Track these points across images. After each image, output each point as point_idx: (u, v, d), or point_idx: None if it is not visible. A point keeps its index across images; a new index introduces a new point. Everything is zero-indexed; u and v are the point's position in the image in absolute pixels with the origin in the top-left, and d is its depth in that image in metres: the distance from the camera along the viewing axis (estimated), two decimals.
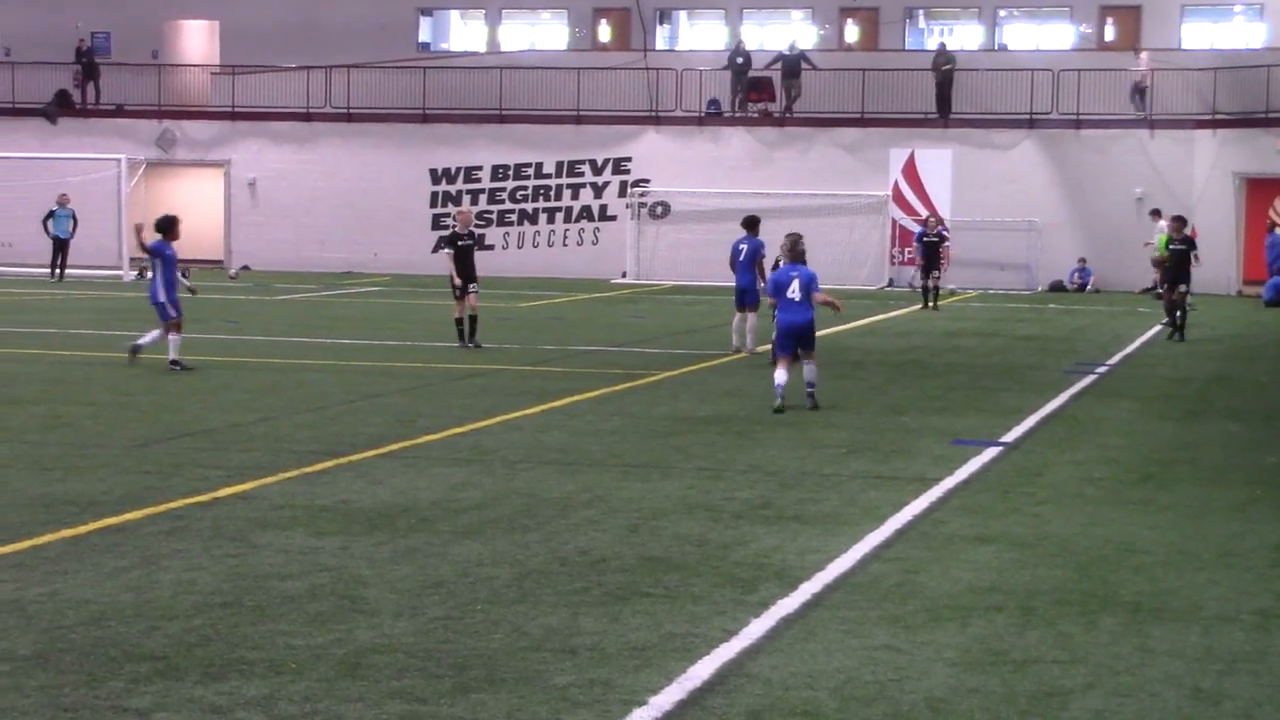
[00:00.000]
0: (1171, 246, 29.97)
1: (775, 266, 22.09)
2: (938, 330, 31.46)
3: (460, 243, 26.11)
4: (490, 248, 49.70)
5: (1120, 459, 16.08)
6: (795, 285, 19.15)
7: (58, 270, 44.20)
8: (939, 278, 37.90)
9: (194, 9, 54.52)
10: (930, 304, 37.27)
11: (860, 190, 47.24)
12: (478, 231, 48.38)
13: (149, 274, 44.85)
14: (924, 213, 46.65)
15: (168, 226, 23.06)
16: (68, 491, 13.23)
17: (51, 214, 44.89)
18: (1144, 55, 47.64)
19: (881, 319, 34.36)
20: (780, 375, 18.98)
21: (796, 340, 19.24)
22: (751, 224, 26.46)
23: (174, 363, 22.17)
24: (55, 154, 48.86)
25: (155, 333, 22.73)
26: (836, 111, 48.31)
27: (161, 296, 22.58)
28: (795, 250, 19.59)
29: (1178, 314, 29.78)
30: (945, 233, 39.94)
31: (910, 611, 9.85)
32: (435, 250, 49.02)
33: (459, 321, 25.94)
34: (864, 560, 11.26)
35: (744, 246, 25.82)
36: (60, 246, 44.45)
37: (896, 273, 46.88)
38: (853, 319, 32.83)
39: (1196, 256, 29.76)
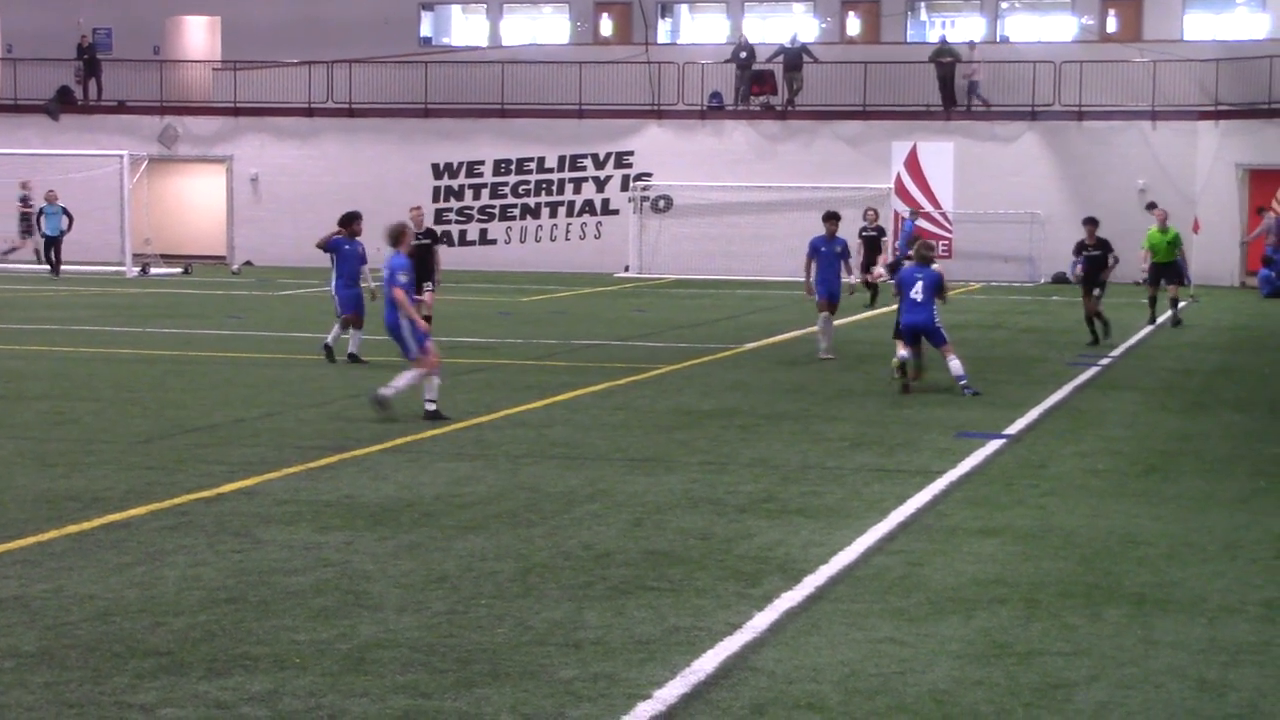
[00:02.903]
0: (1086, 253, 27.15)
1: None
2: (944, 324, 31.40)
3: (414, 242, 25.29)
4: (493, 242, 49.76)
5: (1124, 451, 16.08)
6: (919, 286, 20.04)
7: (51, 265, 43.79)
8: (882, 276, 35.29)
9: (195, 5, 54.51)
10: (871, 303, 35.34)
11: (863, 183, 47.20)
12: (470, 228, 48.54)
13: (151, 270, 44.83)
14: (926, 205, 46.71)
15: (346, 222, 23.24)
16: (72, 488, 13.24)
17: (41, 211, 44.65)
18: (976, 50, 47.91)
19: (884, 312, 34.32)
20: (902, 352, 20.26)
21: (919, 336, 20.30)
22: (832, 218, 24.43)
23: (325, 347, 22.71)
24: (58, 151, 48.85)
25: (356, 335, 22.73)
26: (838, 104, 48.29)
27: (334, 291, 22.99)
28: (923, 255, 20.59)
29: (1096, 323, 27.15)
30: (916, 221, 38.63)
31: (914, 604, 9.86)
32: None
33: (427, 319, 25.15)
34: (867, 553, 11.27)
35: (823, 249, 24.09)
36: (51, 243, 44.12)
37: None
38: (856, 313, 32.81)
39: (1115, 258, 27.01)
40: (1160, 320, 28.39)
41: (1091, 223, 27.34)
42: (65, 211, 44.49)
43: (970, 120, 47.43)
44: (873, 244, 36.43)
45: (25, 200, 47.34)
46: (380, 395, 17.24)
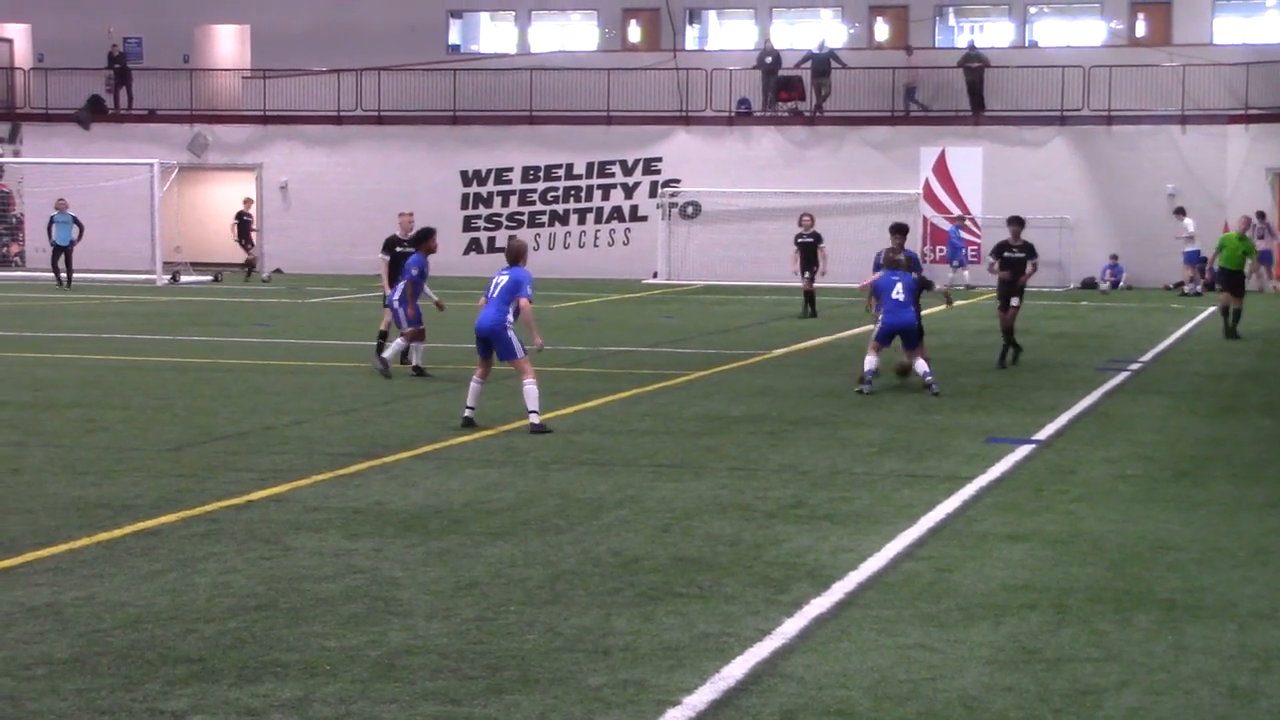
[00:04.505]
0: (1006, 254, 24.19)
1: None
2: (969, 328, 31.39)
3: (399, 249, 23.35)
4: None
5: (1154, 456, 16.03)
6: (899, 287, 20.81)
7: (62, 275, 43.19)
8: (811, 280, 34.31)
9: (225, 13, 54.73)
10: (810, 312, 33.88)
11: (891, 189, 47.13)
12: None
13: (182, 278, 45.00)
14: (955, 210, 46.63)
15: (415, 239, 22.52)
16: (103, 495, 13.29)
17: (52, 220, 44.18)
18: (914, 55, 48.06)
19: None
20: (870, 361, 20.70)
21: (900, 336, 20.95)
22: (900, 230, 22.99)
23: (421, 371, 21.96)
24: (88, 159, 49.06)
25: (400, 344, 22.07)
26: (867, 110, 48.24)
27: (395, 303, 22.14)
28: (893, 260, 21.31)
29: (1012, 335, 24.48)
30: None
31: (944, 610, 9.85)
32: (466, 253, 49.14)
33: (383, 334, 23.01)
34: (897, 559, 11.25)
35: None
36: (60, 252, 43.44)
37: (929, 272, 46.58)
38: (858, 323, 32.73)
39: (1034, 265, 24.52)
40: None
41: (1017, 222, 24.66)
42: (75, 220, 44.18)
43: (999, 125, 47.32)
44: (809, 250, 34.58)
45: (242, 215, 48.13)
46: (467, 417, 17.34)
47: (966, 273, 45.17)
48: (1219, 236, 33.01)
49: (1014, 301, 24.06)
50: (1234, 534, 12.22)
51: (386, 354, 22.06)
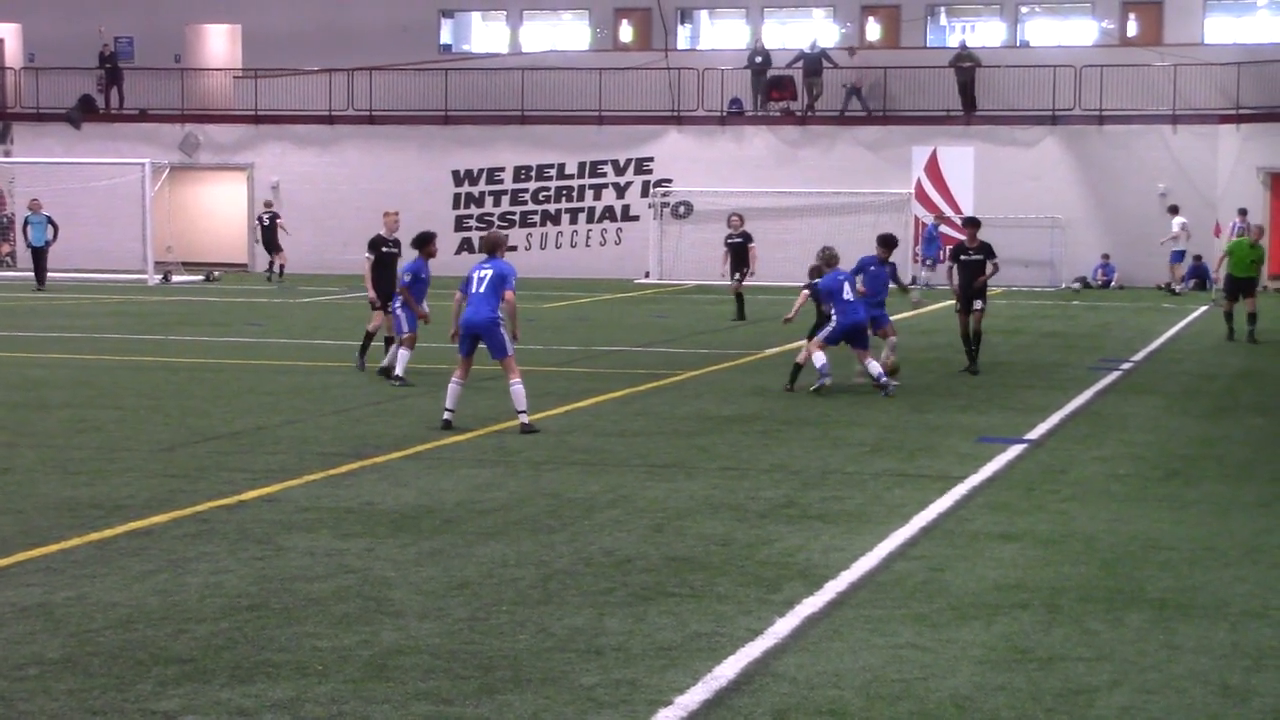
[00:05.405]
0: (964, 257, 23.49)
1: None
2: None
3: (385, 249, 22.92)
4: (513, 249, 49.68)
5: (1145, 455, 16.05)
6: (847, 287, 20.69)
7: (38, 275, 42.43)
8: (741, 280, 33.97)
9: (216, 13, 54.67)
10: (741, 315, 33.27)
11: (883, 188, 47.16)
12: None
13: (174, 278, 44.94)
14: (947, 209, 46.63)
15: (416, 243, 21.44)
16: (94, 495, 13.28)
17: (27, 221, 43.75)
18: (857, 55, 48.29)
19: (905, 317, 34.29)
20: (820, 357, 20.44)
21: (851, 337, 20.68)
22: (888, 243, 22.32)
23: (391, 374, 21.22)
24: (80, 159, 49.00)
25: (402, 352, 21.37)
26: (858, 109, 48.26)
27: (397, 308, 21.58)
28: (831, 256, 21.07)
29: (976, 342, 23.52)
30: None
31: (935, 609, 9.85)
32: (458, 252, 49.13)
33: (368, 335, 22.87)
34: (889, 559, 11.26)
35: (873, 269, 22.04)
36: (37, 254, 42.78)
37: (920, 270, 46.70)
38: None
39: (995, 265, 23.34)
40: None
41: (973, 224, 24.08)
42: (50, 221, 43.78)
43: (991, 125, 47.36)
44: (739, 251, 34.34)
45: (273, 217, 47.87)
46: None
47: (927, 274, 45.10)
48: (1227, 242, 32.89)
49: (977, 305, 23.28)
50: (1226, 533, 12.24)
51: (398, 370, 21.28)
